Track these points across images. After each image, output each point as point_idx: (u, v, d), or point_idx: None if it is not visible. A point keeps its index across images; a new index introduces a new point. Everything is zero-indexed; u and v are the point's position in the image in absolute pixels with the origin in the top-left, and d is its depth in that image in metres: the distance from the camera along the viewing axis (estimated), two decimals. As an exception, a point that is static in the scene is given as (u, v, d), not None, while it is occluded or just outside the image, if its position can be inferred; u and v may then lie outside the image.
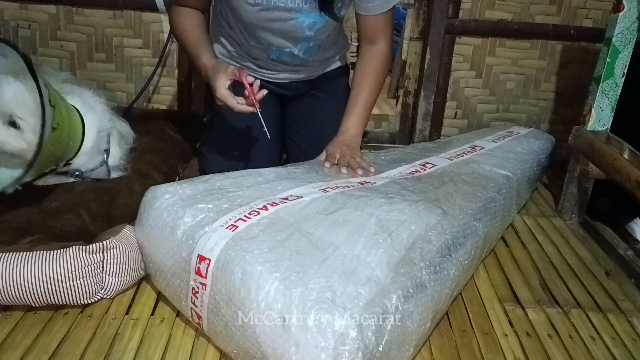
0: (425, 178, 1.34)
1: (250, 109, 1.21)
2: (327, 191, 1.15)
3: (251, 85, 1.20)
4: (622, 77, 1.49)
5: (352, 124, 1.45)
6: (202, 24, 1.40)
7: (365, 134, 1.71)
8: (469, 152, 1.60)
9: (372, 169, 1.35)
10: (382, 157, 1.52)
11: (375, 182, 1.27)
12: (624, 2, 1.41)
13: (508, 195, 1.43)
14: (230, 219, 1.00)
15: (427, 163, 1.46)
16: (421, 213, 1.11)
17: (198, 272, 0.95)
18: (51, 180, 1.38)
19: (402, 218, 1.07)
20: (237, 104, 1.21)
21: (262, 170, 1.23)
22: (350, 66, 1.66)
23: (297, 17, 1.35)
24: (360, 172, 1.32)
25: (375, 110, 1.68)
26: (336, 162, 1.35)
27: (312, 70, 1.55)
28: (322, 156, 1.41)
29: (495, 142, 1.70)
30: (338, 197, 1.13)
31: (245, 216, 1.01)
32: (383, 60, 1.46)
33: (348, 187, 1.21)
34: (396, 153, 1.58)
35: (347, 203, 1.10)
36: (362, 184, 1.25)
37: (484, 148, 1.64)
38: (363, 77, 1.46)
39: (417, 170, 1.39)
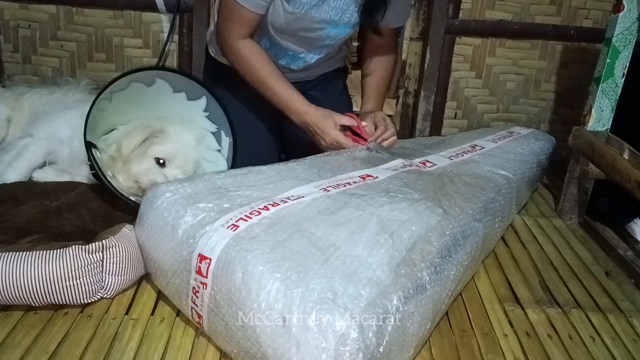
0: (425, 175, 1.34)
1: (360, 145, 1.39)
2: (328, 190, 1.15)
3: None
4: (622, 78, 1.49)
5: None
6: (267, 54, 1.40)
7: None
8: (468, 151, 1.59)
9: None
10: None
11: (377, 177, 1.26)
12: (624, 2, 1.41)
13: (508, 195, 1.42)
14: (231, 219, 0.99)
15: (427, 161, 1.46)
16: (422, 213, 1.11)
17: (199, 272, 0.95)
18: (51, 178, 1.38)
19: (403, 218, 1.07)
20: (351, 142, 1.38)
21: (263, 167, 1.23)
22: (349, 67, 1.67)
23: (326, 27, 1.38)
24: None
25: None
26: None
27: (312, 72, 1.55)
28: (370, 126, 1.46)
29: (496, 142, 1.69)
30: (339, 196, 1.13)
31: (246, 216, 1.01)
32: (394, 61, 1.60)
33: (350, 184, 1.20)
34: (395, 147, 1.57)
35: (348, 202, 1.10)
36: (364, 178, 1.24)
37: (484, 148, 1.63)
38: (379, 71, 1.56)
39: (417, 168, 1.38)
